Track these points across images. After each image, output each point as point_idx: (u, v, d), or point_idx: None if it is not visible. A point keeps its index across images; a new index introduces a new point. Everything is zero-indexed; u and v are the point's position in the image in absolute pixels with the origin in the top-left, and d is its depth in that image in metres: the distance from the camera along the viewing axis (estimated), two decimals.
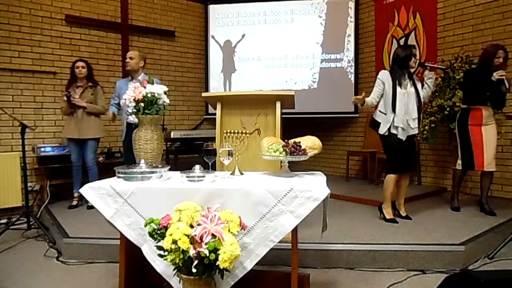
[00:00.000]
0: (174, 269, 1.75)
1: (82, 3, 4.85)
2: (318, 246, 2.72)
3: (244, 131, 2.86)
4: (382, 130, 3.27)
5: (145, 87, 2.12)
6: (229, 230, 1.68)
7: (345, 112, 5.61)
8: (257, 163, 2.67)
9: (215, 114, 2.93)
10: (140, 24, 5.37)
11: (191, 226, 1.67)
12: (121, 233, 1.95)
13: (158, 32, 5.53)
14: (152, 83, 2.16)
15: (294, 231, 1.88)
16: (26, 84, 4.47)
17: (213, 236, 1.63)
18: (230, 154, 2.03)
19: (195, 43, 5.93)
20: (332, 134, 6.01)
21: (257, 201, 1.82)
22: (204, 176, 1.93)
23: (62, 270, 2.78)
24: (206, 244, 1.61)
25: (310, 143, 2.13)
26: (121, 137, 4.05)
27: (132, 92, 2.10)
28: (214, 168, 2.08)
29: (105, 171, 3.93)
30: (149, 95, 2.11)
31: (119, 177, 2.00)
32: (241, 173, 2.14)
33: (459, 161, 3.65)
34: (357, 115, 5.64)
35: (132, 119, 3.60)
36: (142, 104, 2.11)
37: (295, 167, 2.43)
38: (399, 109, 3.20)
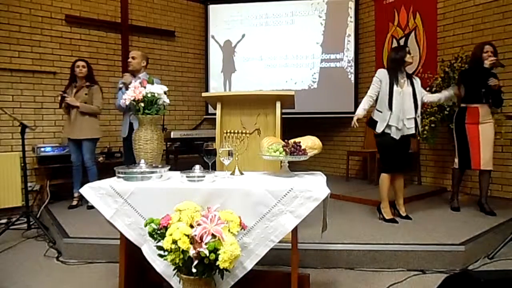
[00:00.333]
0: (174, 269, 1.75)
1: (82, 3, 4.85)
2: (318, 246, 2.72)
3: (244, 131, 2.86)
4: (379, 128, 3.26)
5: (145, 87, 2.12)
6: (229, 230, 1.68)
7: (345, 112, 5.60)
8: (257, 163, 2.67)
9: (215, 114, 2.93)
10: (140, 24, 5.37)
11: (191, 226, 1.67)
12: (121, 233, 1.95)
13: (158, 32, 5.53)
14: (152, 83, 2.16)
15: (294, 231, 1.88)
16: (26, 84, 4.47)
17: (213, 236, 1.63)
18: (230, 154, 2.03)
19: (195, 43, 5.93)
20: (332, 134, 6.01)
21: (257, 201, 1.82)
22: (204, 176, 1.93)
23: (62, 270, 2.78)
24: (206, 244, 1.61)
25: (310, 143, 2.13)
26: (124, 134, 3.95)
27: (132, 92, 2.10)
28: (214, 168, 2.08)
29: (105, 171, 3.93)
30: (149, 95, 2.12)
31: (119, 177, 2.00)
32: (241, 173, 2.14)
33: (456, 160, 3.66)
34: None
35: (133, 119, 3.56)
36: (142, 104, 2.12)
37: (295, 167, 2.43)
38: (395, 107, 3.21)
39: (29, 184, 4.10)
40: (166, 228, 1.70)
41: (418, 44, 4.95)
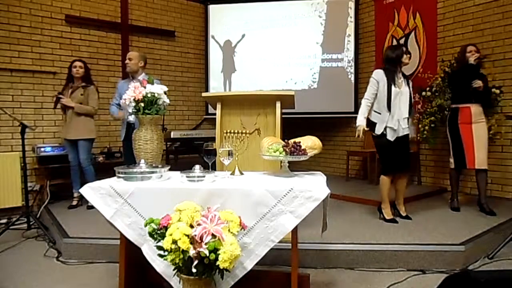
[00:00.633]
0: (174, 269, 1.75)
1: (82, 3, 4.85)
2: (318, 246, 2.72)
3: (244, 131, 2.86)
4: (379, 130, 3.23)
5: (145, 87, 2.12)
6: (229, 230, 1.68)
7: (345, 112, 5.61)
8: (257, 163, 2.67)
9: (215, 114, 2.93)
10: (140, 24, 5.37)
11: (191, 226, 1.67)
12: (121, 233, 1.95)
13: (158, 32, 5.53)
14: (152, 83, 2.16)
15: (294, 231, 1.88)
16: (26, 84, 4.47)
17: (213, 236, 1.63)
18: (230, 154, 2.03)
19: (195, 43, 5.93)
20: (332, 134, 6.01)
21: (257, 201, 1.82)
22: (204, 176, 1.93)
23: (62, 270, 2.77)
24: (206, 244, 1.61)
25: (310, 143, 2.13)
26: (121, 137, 4.03)
27: (132, 92, 2.10)
28: (214, 168, 2.08)
29: (105, 171, 3.93)
30: (149, 95, 2.11)
31: (119, 177, 2.00)
32: (241, 173, 2.14)
33: (452, 160, 3.67)
34: (357, 115, 5.62)
35: (132, 119, 3.59)
36: (142, 104, 2.11)
37: (295, 167, 2.43)
38: (394, 108, 3.19)
39: (29, 184, 4.10)
40: (166, 228, 1.70)
41: (418, 44, 4.95)
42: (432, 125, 4.22)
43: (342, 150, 5.82)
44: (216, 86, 5.88)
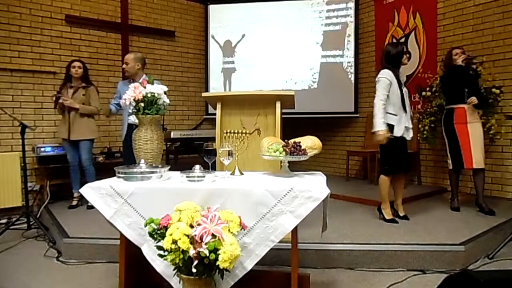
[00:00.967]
0: (174, 269, 1.75)
1: (82, 3, 4.85)
2: (318, 246, 2.72)
3: (244, 131, 2.86)
4: (398, 132, 3.19)
5: (145, 87, 2.12)
6: (229, 230, 1.68)
7: (345, 112, 5.61)
8: (257, 163, 2.67)
9: (215, 114, 2.93)
10: (140, 24, 5.37)
11: (191, 226, 1.67)
12: (121, 233, 1.95)
13: (158, 32, 5.53)
14: (152, 83, 2.16)
15: (294, 231, 1.87)
16: (26, 84, 4.47)
17: (213, 236, 1.63)
18: (230, 154, 2.03)
19: (195, 43, 5.93)
20: (332, 134, 6.01)
21: (257, 201, 1.82)
22: (204, 176, 1.93)
23: (62, 270, 2.78)
24: (206, 244, 1.61)
25: (310, 143, 2.13)
26: (121, 137, 4.04)
27: (132, 92, 2.10)
28: (214, 168, 2.09)
29: (105, 171, 3.93)
30: (149, 95, 2.11)
31: (119, 177, 2.00)
32: (241, 173, 2.14)
33: (449, 161, 3.69)
34: (357, 115, 5.64)
35: (133, 119, 3.58)
36: (142, 104, 2.11)
37: (295, 167, 2.43)
38: (408, 108, 3.23)
39: (29, 184, 4.09)
40: (166, 228, 1.70)
41: (418, 44, 4.95)
42: (432, 125, 4.23)
43: (342, 150, 5.82)
44: (216, 86, 5.88)
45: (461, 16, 4.53)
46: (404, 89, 3.26)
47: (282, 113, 2.82)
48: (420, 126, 4.34)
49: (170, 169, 2.10)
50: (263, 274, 2.18)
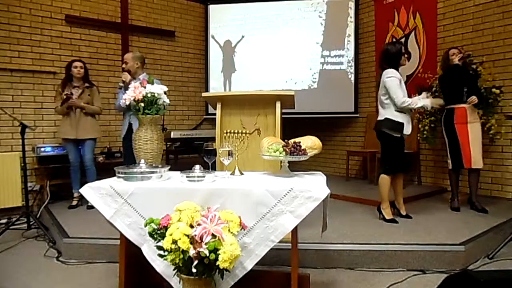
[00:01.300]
0: (174, 269, 1.75)
1: (82, 3, 4.85)
2: (318, 246, 2.72)
3: (244, 131, 2.86)
4: (408, 130, 3.23)
5: (145, 87, 2.12)
6: (229, 230, 1.68)
7: (345, 112, 5.61)
8: (257, 163, 2.67)
9: (215, 114, 2.93)
10: (140, 24, 5.37)
11: (191, 226, 1.67)
12: (121, 233, 1.95)
13: (158, 32, 5.53)
14: (152, 83, 2.16)
15: (294, 231, 1.87)
16: (26, 84, 4.47)
17: (213, 236, 1.63)
18: (230, 154, 2.03)
19: (195, 43, 5.93)
20: (332, 134, 6.01)
21: (257, 201, 1.82)
22: (204, 176, 1.93)
23: (62, 270, 2.78)
24: (206, 244, 1.61)
25: (310, 143, 2.13)
26: (122, 134, 3.99)
27: (132, 92, 2.10)
28: (214, 168, 2.09)
29: (105, 171, 3.93)
30: (149, 95, 2.12)
31: (119, 177, 2.00)
32: (241, 173, 2.14)
33: (449, 161, 3.69)
34: (357, 115, 5.63)
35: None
36: (142, 104, 2.12)
37: (295, 167, 2.43)
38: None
39: (29, 184, 4.09)
40: (166, 228, 1.70)
41: (418, 44, 4.95)
42: (432, 125, 4.22)
43: (342, 150, 5.82)
44: (216, 86, 5.88)
45: (461, 16, 4.53)
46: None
47: (282, 113, 2.82)
48: (420, 126, 4.34)
49: (170, 169, 2.10)
50: (263, 274, 2.18)
